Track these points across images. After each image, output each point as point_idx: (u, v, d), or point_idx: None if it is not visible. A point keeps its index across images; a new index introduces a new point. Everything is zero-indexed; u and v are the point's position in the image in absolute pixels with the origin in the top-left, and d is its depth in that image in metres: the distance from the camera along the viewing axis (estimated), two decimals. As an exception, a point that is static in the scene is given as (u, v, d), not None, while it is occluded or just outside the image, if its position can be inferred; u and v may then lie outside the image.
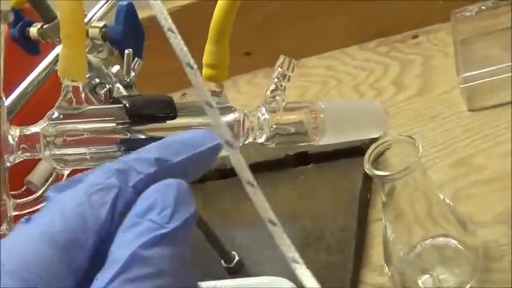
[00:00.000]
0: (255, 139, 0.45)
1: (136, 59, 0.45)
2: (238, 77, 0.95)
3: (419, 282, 0.58)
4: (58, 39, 0.52)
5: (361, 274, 0.62)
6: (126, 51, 0.45)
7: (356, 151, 0.71)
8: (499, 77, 0.71)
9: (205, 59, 0.43)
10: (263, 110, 0.45)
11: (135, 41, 0.45)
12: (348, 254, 0.62)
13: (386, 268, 0.59)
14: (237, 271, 0.66)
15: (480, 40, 0.76)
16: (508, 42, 0.74)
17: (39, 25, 0.52)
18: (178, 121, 0.41)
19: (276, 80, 0.45)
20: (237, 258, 0.66)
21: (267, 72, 0.94)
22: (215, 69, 0.43)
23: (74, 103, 0.39)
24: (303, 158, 0.73)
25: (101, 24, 0.47)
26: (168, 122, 0.41)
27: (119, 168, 0.28)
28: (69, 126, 0.39)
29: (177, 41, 0.25)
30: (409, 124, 0.75)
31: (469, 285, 0.56)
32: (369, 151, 0.54)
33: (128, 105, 0.40)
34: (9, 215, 0.38)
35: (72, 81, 0.39)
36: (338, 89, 0.84)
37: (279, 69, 0.45)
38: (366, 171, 0.53)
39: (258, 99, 0.45)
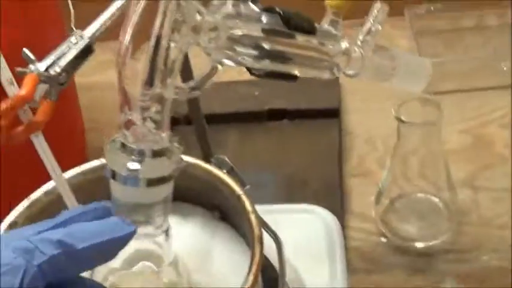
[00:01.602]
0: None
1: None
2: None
3: (401, 228, 0.66)
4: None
5: (346, 219, 0.68)
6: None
7: (330, 112, 0.78)
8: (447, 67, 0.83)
9: (334, -12, 0.47)
10: (359, 45, 0.50)
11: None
12: (333, 200, 0.69)
13: (374, 212, 0.66)
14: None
15: (429, 35, 0.88)
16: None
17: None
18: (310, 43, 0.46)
19: (371, 21, 0.51)
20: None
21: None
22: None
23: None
24: (278, 113, 0.78)
25: None
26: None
27: (25, 247, 0.30)
28: (239, 25, 0.41)
29: None
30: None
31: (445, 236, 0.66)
32: (398, 103, 0.61)
33: (283, 14, 0.43)
34: (167, 97, 0.39)
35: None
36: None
37: (375, 12, 0.51)
38: (395, 115, 0.60)
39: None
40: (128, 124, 0.38)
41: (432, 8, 0.89)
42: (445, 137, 0.76)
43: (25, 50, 0.42)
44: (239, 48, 0.41)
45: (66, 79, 0.42)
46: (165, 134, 0.39)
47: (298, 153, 0.74)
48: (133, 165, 0.37)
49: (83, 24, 0.63)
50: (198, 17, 0.38)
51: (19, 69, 0.41)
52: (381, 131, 0.76)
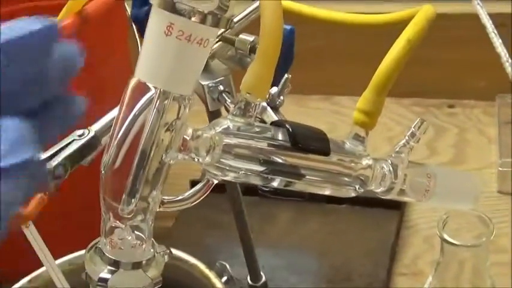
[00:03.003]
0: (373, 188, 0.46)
1: (288, 84, 0.46)
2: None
3: None
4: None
5: (383, 324, 0.64)
6: (286, 75, 0.46)
7: (392, 204, 0.74)
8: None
9: (362, 105, 0.45)
10: (388, 162, 0.46)
11: (285, 65, 0.46)
12: (374, 301, 0.65)
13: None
14: (260, 291, 0.67)
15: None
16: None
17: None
18: (326, 158, 0.43)
19: (407, 137, 0.47)
20: (264, 278, 0.67)
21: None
22: (368, 117, 0.44)
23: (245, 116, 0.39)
24: (338, 197, 0.75)
25: (251, 38, 0.47)
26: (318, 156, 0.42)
27: None
28: (238, 140, 0.39)
29: None
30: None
31: None
32: (443, 217, 0.57)
33: (291, 131, 0.41)
34: (151, 208, 0.38)
35: (251, 96, 0.39)
36: (371, 135, 0.86)
37: (412, 129, 0.47)
38: (439, 234, 0.55)
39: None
40: (109, 232, 0.37)
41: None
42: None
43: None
44: (239, 164, 0.39)
45: (64, 172, 0.41)
46: (146, 245, 0.38)
47: (349, 243, 0.71)
48: (105, 275, 0.37)
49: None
50: (190, 131, 0.37)
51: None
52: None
